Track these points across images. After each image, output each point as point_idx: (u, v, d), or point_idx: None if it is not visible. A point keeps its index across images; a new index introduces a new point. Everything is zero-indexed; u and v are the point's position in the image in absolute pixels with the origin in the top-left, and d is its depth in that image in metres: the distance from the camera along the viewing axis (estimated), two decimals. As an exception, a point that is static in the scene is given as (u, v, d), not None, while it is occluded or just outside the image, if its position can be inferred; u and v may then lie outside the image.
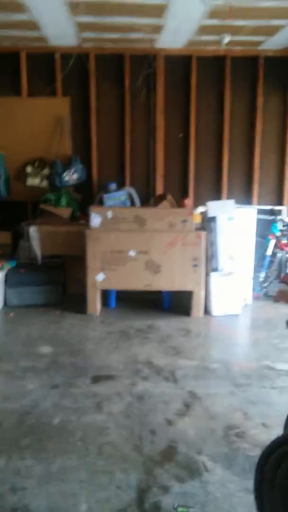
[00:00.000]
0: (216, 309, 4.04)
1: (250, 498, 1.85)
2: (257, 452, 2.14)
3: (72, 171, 4.83)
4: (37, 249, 4.37)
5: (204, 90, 5.13)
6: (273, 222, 4.53)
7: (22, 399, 2.58)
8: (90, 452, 2.12)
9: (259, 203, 5.20)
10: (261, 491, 1.20)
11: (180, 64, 5.07)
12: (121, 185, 5.10)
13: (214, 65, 5.08)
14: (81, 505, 1.79)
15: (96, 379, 2.84)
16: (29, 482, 1.91)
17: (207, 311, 4.05)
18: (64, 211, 4.75)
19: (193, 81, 5.06)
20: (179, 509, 1.78)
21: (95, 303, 4.02)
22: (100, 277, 3.97)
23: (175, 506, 1.79)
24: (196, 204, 5.02)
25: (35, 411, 2.46)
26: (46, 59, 4.96)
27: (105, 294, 4.22)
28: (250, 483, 1.93)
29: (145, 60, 5.00)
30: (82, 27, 4.32)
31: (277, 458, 1.02)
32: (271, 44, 4.81)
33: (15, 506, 1.77)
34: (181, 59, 5.06)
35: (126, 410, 2.48)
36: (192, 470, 2.01)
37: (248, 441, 2.23)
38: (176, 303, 4.21)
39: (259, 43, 4.78)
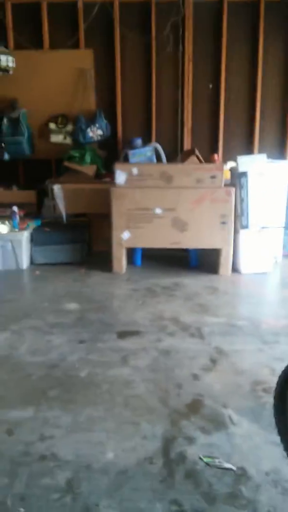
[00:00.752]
0: (245, 267, 3.97)
1: (276, 451, 1.84)
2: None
3: (96, 127, 4.71)
4: (61, 207, 4.35)
5: (236, 38, 4.84)
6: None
7: (49, 353, 2.62)
8: (117, 404, 2.14)
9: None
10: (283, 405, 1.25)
11: (210, 10, 4.78)
12: (147, 141, 4.96)
13: (247, 10, 4.76)
14: (108, 453, 1.81)
15: (122, 335, 2.84)
16: (57, 431, 1.95)
17: (235, 269, 3.98)
18: (89, 169, 4.68)
19: (224, 28, 4.77)
20: (205, 459, 1.78)
21: (120, 261, 4.00)
22: (126, 235, 3.93)
23: (201, 456, 1.80)
24: (226, 159, 4.85)
25: (63, 364, 2.49)
26: (68, 9, 4.76)
27: (131, 252, 4.19)
28: (276, 437, 1.92)
29: (173, 6, 4.73)
30: None
31: None
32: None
33: (44, 454, 1.81)
34: (211, 4, 4.76)
35: (152, 364, 2.49)
36: (218, 423, 2.01)
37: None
38: (204, 261, 4.15)
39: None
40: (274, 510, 1.57)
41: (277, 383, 1.48)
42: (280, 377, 1.48)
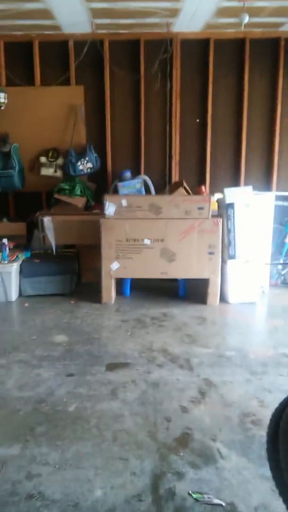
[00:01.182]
0: (233, 297, 4.00)
1: (266, 485, 1.84)
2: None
3: (86, 160, 4.81)
4: (51, 239, 4.38)
5: (222, 74, 5.03)
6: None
7: (37, 387, 2.60)
8: (105, 439, 2.12)
9: (278, 190, 5.09)
10: (275, 443, 1.22)
11: (197, 48, 4.97)
12: (136, 173, 5.06)
13: (233, 48, 4.96)
14: (96, 491, 1.79)
15: (111, 367, 2.84)
16: (45, 469, 1.92)
17: (223, 299, 4.01)
18: (79, 201, 4.75)
19: (211, 65, 4.96)
20: (194, 495, 1.77)
21: (110, 291, 4.01)
22: (115, 265, 3.96)
23: (190, 492, 1.78)
24: (213, 191, 4.96)
25: (51, 399, 2.47)
26: (60, 47, 4.92)
27: (120, 283, 4.21)
28: (265, 470, 1.91)
29: (161, 45, 4.91)
30: (95, 13, 4.26)
31: None
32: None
33: (31, 492, 1.78)
34: (198, 42, 4.96)
35: (141, 397, 2.48)
36: (207, 457, 2.00)
37: (264, 429, 2.19)
38: (192, 291, 4.18)
39: (280, 24, 4.65)
40: None
41: (269, 424, 1.47)
42: (271, 417, 1.48)
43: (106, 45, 4.91)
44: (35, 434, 2.15)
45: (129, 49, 4.97)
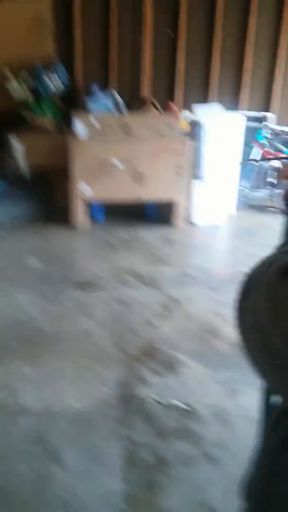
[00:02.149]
0: (199, 219, 4.11)
1: (220, 388, 2.09)
2: (229, 349, 2.35)
3: (55, 77, 4.57)
4: (20, 161, 4.29)
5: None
6: (259, 129, 4.43)
7: (10, 308, 2.73)
8: (76, 353, 2.32)
9: (248, 109, 5.02)
10: None
11: None
12: (105, 88, 4.86)
13: None
14: (69, 399, 2.01)
15: (81, 287, 2.98)
16: (20, 382, 2.11)
17: (190, 221, 4.11)
18: (48, 121, 4.59)
19: None
20: (155, 398, 2.01)
21: (80, 215, 4.06)
22: (85, 188, 3.97)
23: (152, 396, 2.02)
24: (183, 108, 4.84)
25: (23, 318, 2.62)
26: None
27: (90, 207, 4.24)
28: (220, 376, 2.17)
29: None
30: None
31: None
32: None
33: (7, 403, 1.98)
34: None
35: (110, 314, 2.67)
36: (169, 365, 2.23)
37: (221, 339, 2.45)
38: (161, 214, 4.25)
39: None
40: (218, 441, 1.82)
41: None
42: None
43: None
44: (9, 352, 2.32)
45: None
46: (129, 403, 2.00)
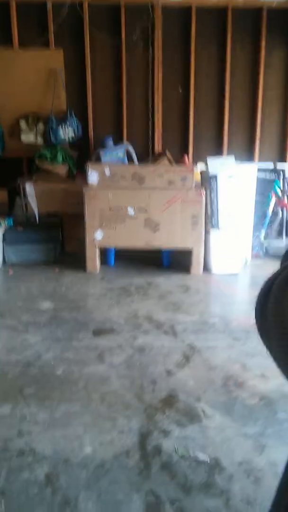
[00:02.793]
0: (216, 267, 4.06)
1: (248, 443, 1.93)
2: (255, 401, 2.21)
3: (67, 126, 4.71)
4: (34, 206, 4.33)
5: (204, 44, 4.94)
6: (275, 180, 4.49)
7: (25, 351, 2.63)
8: (93, 400, 2.17)
9: (261, 160, 5.12)
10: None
11: (179, 15, 4.86)
12: (118, 141, 5.00)
13: (215, 17, 4.87)
14: (86, 447, 1.85)
15: (97, 333, 2.88)
16: (35, 427, 1.97)
17: (206, 269, 4.07)
18: (60, 168, 4.68)
19: (193, 34, 4.86)
20: (180, 451, 1.85)
21: (94, 260, 4.03)
22: (99, 235, 3.96)
23: (176, 449, 1.86)
24: (196, 161, 4.95)
25: (38, 362, 2.50)
26: (38, 8, 4.74)
27: (104, 253, 4.22)
28: (247, 429, 2.01)
29: (142, 11, 4.78)
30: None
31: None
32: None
33: (23, 449, 1.83)
34: (180, 10, 4.85)
35: (127, 361, 2.54)
36: (192, 416, 2.08)
37: (246, 391, 2.30)
38: (176, 261, 4.23)
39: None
40: (247, 498, 1.65)
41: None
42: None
43: (86, 7, 4.74)
44: (24, 395, 2.19)
45: (109, 14, 4.82)
46: (150, 455, 1.83)
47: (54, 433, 1.93)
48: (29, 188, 4.31)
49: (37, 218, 4.35)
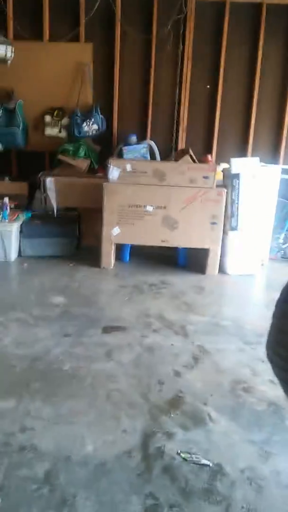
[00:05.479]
0: (232, 268, 4.00)
1: (253, 449, 1.89)
2: (263, 407, 2.16)
3: (91, 121, 4.70)
4: (53, 200, 4.34)
5: (236, 41, 4.84)
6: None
7: (34, 345, 2.63)
8: (99, 398, 2.16)
9: (285, 163, 5.01)
10: None
11: (212, 10, 4.76)
12: (142, 138, 4.96)
13: (249, 13, 4.76)
14: (88, 446, 1.84)
15: (107, 330, 2.86)
16: (38, 423, 1.96)
17: (222, 269, 4.01)
18: (82, 163, 4.68)
19: (225, 29, 4.76)
20: (183, 454, 1.82)
21: (109, 256, 4.01)
22: (116, 231, 3.94)
23: (179, 452, 1.83)
24: (219, 160, 4.87)
25: (46, 357, 2.50)
26: (70, 2, 4.73)
27: (120, 249, 4.20)
28: (253, 435, 1.97)
29: (176, 4, 4.72)
30: None
31: None
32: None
33: (24, 445, 1.83)
34: (214, 4, 4.76)
35: (136, 360, 2.52)
36: (197, 420, 2.04)
37: (254, 396, 2.25)
38: (191, 261, 4.18)
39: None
40: (248, 506, 1.61)
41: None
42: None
43: (119, 1, 4.71)
44: (30, 390, 2.19)
45: (141, 7, 4.78)
46: (152, 457, 1.81)
47: (57, 430, 1.92)
48: (49, 182, 4.32)
49: (55, 212, 4.37)
